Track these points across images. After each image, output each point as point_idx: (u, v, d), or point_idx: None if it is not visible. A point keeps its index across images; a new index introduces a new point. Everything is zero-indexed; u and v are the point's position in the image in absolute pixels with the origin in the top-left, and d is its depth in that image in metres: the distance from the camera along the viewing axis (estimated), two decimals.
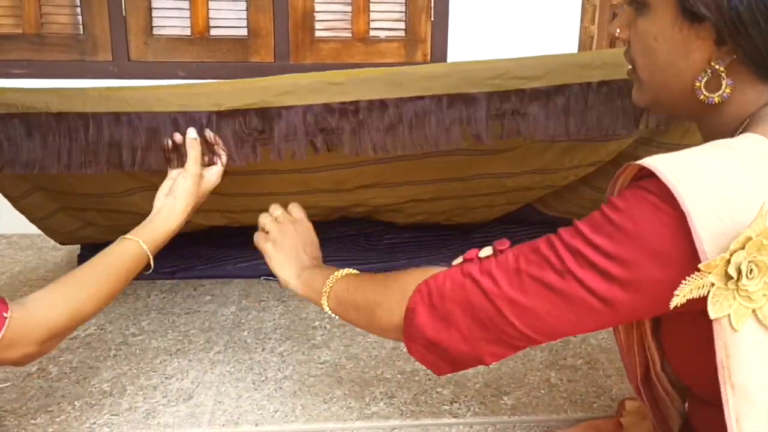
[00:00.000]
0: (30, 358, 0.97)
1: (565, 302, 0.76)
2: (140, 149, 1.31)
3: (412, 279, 0.91)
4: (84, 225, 1.90)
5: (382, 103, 1.32)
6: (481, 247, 0.88)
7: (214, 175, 1.27)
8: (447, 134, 1.34)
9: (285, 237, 1.16)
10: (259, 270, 1.94)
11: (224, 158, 1.29)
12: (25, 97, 1.29)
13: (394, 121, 1.33)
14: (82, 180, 1.66)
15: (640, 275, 0.72)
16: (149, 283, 1.91)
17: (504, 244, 0.84)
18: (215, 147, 1.28)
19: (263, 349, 1.57)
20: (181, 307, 1.78)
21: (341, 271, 1.07)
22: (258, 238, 1.18)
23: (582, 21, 3.45)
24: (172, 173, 1.26)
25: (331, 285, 1.04)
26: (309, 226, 1.20)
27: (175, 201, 1.20)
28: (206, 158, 1.28)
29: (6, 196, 1.76)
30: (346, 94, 1.31)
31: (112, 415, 1.31)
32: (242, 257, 1.99)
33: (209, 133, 1.27)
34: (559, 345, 1.59)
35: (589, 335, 1.63)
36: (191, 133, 1.24)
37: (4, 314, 0.89)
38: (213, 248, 2.03)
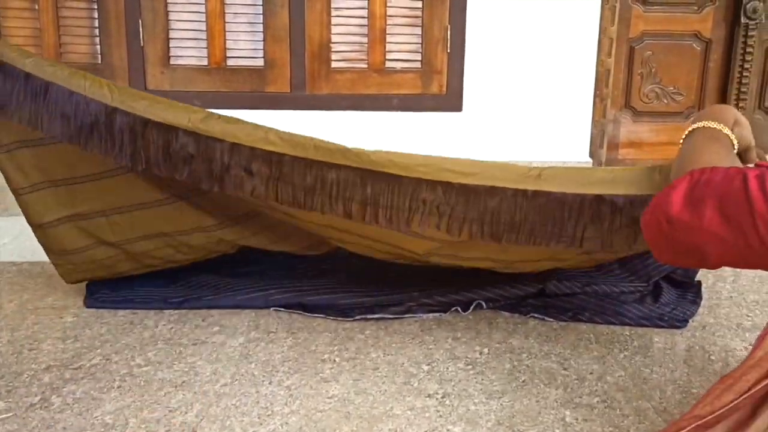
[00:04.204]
0: None
1: None
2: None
3: (719, 161, 0.92)
4: (92, 244, 1.86)
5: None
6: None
7: None
8: None
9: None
10: (270, 301, 1.91)
11: None
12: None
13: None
14: (101, 188, 1.77)
15: None
16: (157, 313, 1.88)
17: None
18: None
19: (270, 382, 1.54)
20: (189, 337, 1.75)
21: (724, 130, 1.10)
22: None
23: (599, 54, 3.43)
24: None
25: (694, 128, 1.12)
26: None
27: None
28: None
29: (12, 187, 1.76)
30: None
31: None
32: (253, 287, 1.95)
33: None
34: (574, 382, 1.54)
35: (606, 373, 1.58)
36: None
37: None
38: (222, 278, 2.00)
